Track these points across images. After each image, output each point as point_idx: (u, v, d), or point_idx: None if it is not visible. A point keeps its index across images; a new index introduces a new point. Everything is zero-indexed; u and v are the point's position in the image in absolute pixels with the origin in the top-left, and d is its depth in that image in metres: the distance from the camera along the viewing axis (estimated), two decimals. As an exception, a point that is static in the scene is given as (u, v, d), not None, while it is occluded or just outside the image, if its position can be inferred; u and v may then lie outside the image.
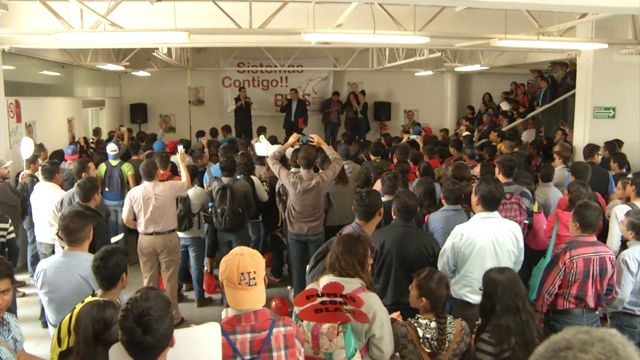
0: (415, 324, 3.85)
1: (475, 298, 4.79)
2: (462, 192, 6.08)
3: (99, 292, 3.84)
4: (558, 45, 8.41)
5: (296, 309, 3.63)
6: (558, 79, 15.35)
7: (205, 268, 8.72)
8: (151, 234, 7.14)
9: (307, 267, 4.85)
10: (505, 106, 16.72)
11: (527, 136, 14.51)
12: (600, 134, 10.62)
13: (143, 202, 7.06)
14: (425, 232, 5.67)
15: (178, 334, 2.69)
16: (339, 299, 3.50)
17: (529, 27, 8.20)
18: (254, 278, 3.01)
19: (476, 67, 14.08)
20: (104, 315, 3.10)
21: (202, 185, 8.66)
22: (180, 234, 7.71)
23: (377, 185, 7.69)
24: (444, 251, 4.98)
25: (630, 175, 7.96)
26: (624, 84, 10.85)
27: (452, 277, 4.96)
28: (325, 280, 3.72)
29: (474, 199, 5.02)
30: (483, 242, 4.83)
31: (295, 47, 15.54)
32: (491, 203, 4.92)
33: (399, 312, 4.25)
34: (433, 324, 3.81)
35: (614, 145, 10.22)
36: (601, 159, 9.30)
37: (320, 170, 7.69)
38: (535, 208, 6.98)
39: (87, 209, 5.67)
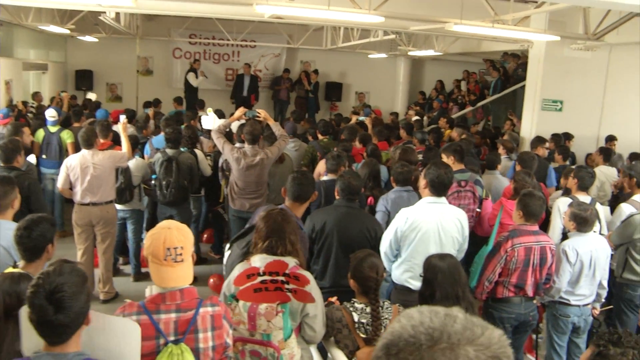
0: (351, 308, 3.73)
1: (417, 284, 4.67)
2: (411, 174, 6.03)
3: (20, 263, 3.61)
4: (512, 34, 8.41)
5: (233, 288, 3.46)
6: (510, 70, 15.46)
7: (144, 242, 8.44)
8: (87, 204, 6.84)
9: (232, 250, 4.59)
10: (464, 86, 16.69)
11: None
12: (548, 126, 10.78)
13: (80, 171, 6.75)
14: (367, 214, 5.56)
15: (97, 318, 2.50)
16: (280, 278, 3.37)
17: (484, 14, 8.14)
18: (181, 254, 2.82)
19: (430, 53, 14.04)
20: (17, 289, 2.89)
21: (142, 157, 8.37)
22: (119, 206, 7.43)
23: (322, 165, 7.60)
24: (387, 234, 4.87)
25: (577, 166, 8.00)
26: (572, 78, 11.05)
27: (394, 262, 4.87)
28: (258, 260, 3.57)
29: (422, 182, 4.92)
30: (428, 227, 4.74)
31: (248, 21, 15.21)
32: (439, 188, 4.82)
33: (336, 297, 4.11)
34: (369, 309, 3.70)
35: (559, 138, 10.33)
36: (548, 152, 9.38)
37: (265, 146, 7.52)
38: (484, 195, 6.98)
39: (12, 169, 5.38)
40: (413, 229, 4.73)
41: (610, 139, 10.73)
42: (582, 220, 5.09)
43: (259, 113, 7.37)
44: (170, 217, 7.41)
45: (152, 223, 8.49)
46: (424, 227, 4.73)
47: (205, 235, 9.41)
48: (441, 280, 3.62)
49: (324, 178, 6.36)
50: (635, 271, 5.69)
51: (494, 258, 4.87)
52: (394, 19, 8.38)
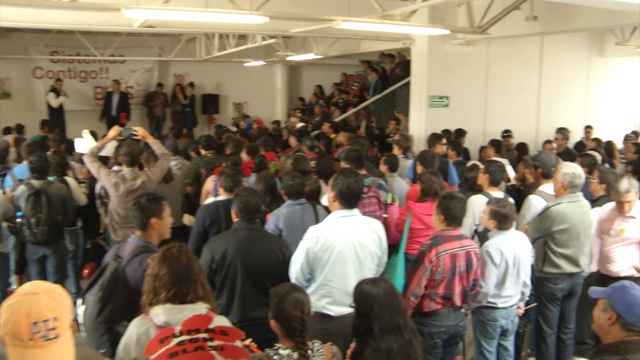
0: (275, 356, 3.12)
1: (337, 310, 4.20)
2: (303, 186, 5.57)
3: None
4: (400, 29, 8.18)
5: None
6: (388, 70, 15.42)
7: (13, 287, 7.43)
8: None
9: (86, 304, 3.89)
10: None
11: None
12: (436, 123, 10.71)
13: None
14: (272, 235, 4.99)
15: None
16: (202, 335, 2.73)
17: (369, 12, 7.84)
18: (54, 328, 2.06)
19: (309, 56, 13.65)
20: None
21: (2, 191, 7.32)
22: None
23: (209, 183, 6.99)
24: (297, 257, 4.29)
25: (470, 164, 7.82)
26: (456, 73, 11.05)
27: (308, 287, 4.31)
28: (160, 312, 2.91)
29: (330, 194, 4.38)
30: (343, 244, 4.20)
31: (116, 35, 14.22)
32: (350, 199, 4.30)
33: (250, 340, 3.44)
34: (296, 354, 3.12)
35: (449, 134, 10.25)
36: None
37: (146, 168, 6.79)
38: (389, 200, 6.59)
39: None
40: (326, 248, 4.18)
41: (506, 132, 10.94)
42: (502, 218, 4.81)
43: (135, 131, 6.62)
44: (43, 258, 6.58)
45: (21, 265, 7.46)
46: (338, 245, 4.20)
47: (86, 271, 8.43)
48: (378, 311, 3.12)
49: (220, 198, 5.71)
50: (555, 264, 5.47)
51: (418, 270, 4.46)
52: (277, 20, 7.89)
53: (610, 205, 5.64)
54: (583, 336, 6.18)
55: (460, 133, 10.55)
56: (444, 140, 9.12)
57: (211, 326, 2.81)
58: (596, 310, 3.21)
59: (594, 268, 5.83)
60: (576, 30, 9.96)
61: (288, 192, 5.47)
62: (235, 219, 4.63)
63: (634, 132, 11.97)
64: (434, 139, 8.87)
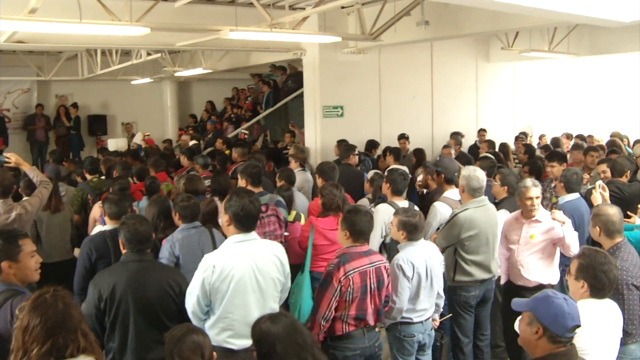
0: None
1: (239, 343, 3.82)
2: (198, 208, 5.21)
3: None
4: (291, 38, 7.92)
5: None
6: (280, 83, 15.20)
7: None
8: None
9: None
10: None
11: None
12: (331, 133, 10.59)
13: None
14: (166, 265, 4.57)
15: None
16: None
17: (256, 22, 7.55)
18: None
19: (198, 71, 13.20)
20: None
21: None
22: None
23: (96, 209, 6.47)
24: (192, 289, 3.86)
25: (372, 173, 7.64)
26: (349, 82, 10.96)
27: (207, 320, 3.91)
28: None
29: (224, 218, 3.99)
30: (242, 273, 3.81)
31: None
32: (246, 222, 3.93)
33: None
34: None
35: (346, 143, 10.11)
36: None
37: (24, 198, 6.19)
38: (291, 218, 6.29)
39: None
40: (224, 278, 3.79)
41: (403, 135, 10.90)
42: (412, 228, 4.63)
43: (8, 158, 6.01)
44: None
45: None
46: (237, 273, 3.81)
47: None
48: (282, 351, 2.76)
49: (106, 227, 5.18)
50: (467, 272, 5.33)
51: (326, 292, 4.16)
52: (162, 33, 7.44)
53: (514, 214, 5.56)
54: (495, 339, 6.11)
55: (373, 145, 10.44)
56: (357, 151, 8.97)
57: None
58: (521, 324, 3.04)
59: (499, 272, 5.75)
60: (465, 35, 10.12)
61: (182, 214, 5.09)
62: (123, 250, 4.17)
63: (523, 133, 12.25)
64: (347, 150, 8.67)
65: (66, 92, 17.08)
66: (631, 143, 11.66)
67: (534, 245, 5.32)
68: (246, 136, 14.07)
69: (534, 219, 5.32)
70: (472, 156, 9.90)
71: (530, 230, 5.34)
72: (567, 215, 5.38)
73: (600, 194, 5.57)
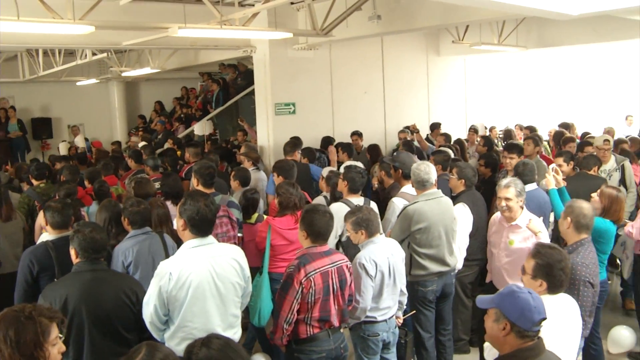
0: None
1: (199, 352, 3.68)
2: (149, 213, 5.01)
3: None
4: (242, 35, 7.82)
5: None
6: (229, 81, 15.02)
7: None
8: None
9: None
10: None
11: (200, 128, 13.97)
12: (284, 131, 10.44)
13: None
14: (122, 274, 4.38)
15: None
16: None
17: (205, 19, 7.38)
18: None
19: (146, 71, 12.91)
20: None
21: None
22: None
23: (42, 218, 6.19)
24: (149, 298, 3.70)
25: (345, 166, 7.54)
26: (300, 79, 10.88)
27: (166, 330, 3.76)
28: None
29: (179, 222, 3.84)
30: (200, 279, 3.68)
31: None
32: (203, 226, 3.79)
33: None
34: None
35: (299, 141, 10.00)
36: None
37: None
38: (253, 220, 6.17)
39: None
40: (181, 285, 3.64)
41: (355, 133, 10.82)
42: (367, 222, 4.59)
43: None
44: None
45: None
46: (195, 280, 3.68)
47: None
48: None
49: (52, 237, 4.90)
50: (421, 265, 5.30)
51: (287, 294, 4.05)
52: (107, 31, 7.19)
53: (498, 215, 5.47)
54: (457, 333, 6.12)
55: (329, 141, 10.30)
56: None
57: None
58: (487, 321, 3.00)
59: (460, 266, 5.73)
60: (417, 29, 10.11)
61: (132, 219, 4.87)
62: (75, 260, 3.97)
63: (474, 128, 12.27)
64: (292, 146, 8.52)
65: (6, 95, 16.46)
66: (578, 133, 11.82)
67: (514, 252, 5.21)
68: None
69: (514, 223, 5.21)
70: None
71: (511, 235, 5.25)
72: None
73: (553, 177, 5.64)
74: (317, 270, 4.08)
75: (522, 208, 5.21)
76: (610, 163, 7.99)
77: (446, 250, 5.43)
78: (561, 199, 5.55)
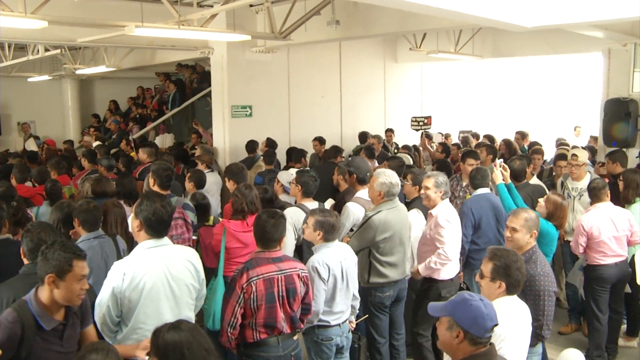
0: None
1: (152, 354, 3.64)
2: (100, 212, 4.85)
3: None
4: (200, 35, 7.82)
5: None
6: (186, 82, 14.87)
7: None
8: None
9: None
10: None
11: (161, 141, 13.70)
12: (240, 134, 10.46)
13: None
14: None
15: None
16: None
17: (163, 18, 7.31)
18: None
19: (101, 69, 12.72)
20: None
21: None
22: None
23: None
24: (101, 299, 3.65)
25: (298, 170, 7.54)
26: (258, 81, 10.89)
27: (119, 332, 3.71)
28: None
29: (134, 223, 3.80)
30: (154, 280, 3.65)
31: None
32: (159, 227, 3.77)
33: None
34: None
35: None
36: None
37: None
38: (210, 222, 6.14)
39: None
40: (135, 286, 3.61)
41: (316, 139, 10.81)
42: (330, 228, 4.54)
43: None
44: None
45: None
46: (149, 281, 3.65)
47: None
48: (190, 356, 2.60)
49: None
50: (381, 273, 5.32)
51: (230, 298, 4.01)
52: (61, 27, 7.04)
53: None
54: (409, 337, 6.16)
55: (271, 145, 10.19)
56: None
57: None
58: (440, 328, 3.04)
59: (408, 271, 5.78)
60: (375, 35, 10.23)
61: (82, 219, 4.70)
62: (25, 261, 3.87)
63: (427, 135, 12.38)
64: (251, 148, 8.53)
65: (-49, 89, 15.99)
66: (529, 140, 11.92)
67: (425, 238, 5.53)
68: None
69: (430, 211, 5.48)
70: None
71: (428, 221, 5.55)
72: (470, 209, 6.00)
73: (501, 172, 5.86)
74: (260, 277, 4.02)
75: (441, 199, 5.43)
76: (584, 181, 6.99)
77: (405, 257, 5.50)
78: (510, 196, 5.78)
